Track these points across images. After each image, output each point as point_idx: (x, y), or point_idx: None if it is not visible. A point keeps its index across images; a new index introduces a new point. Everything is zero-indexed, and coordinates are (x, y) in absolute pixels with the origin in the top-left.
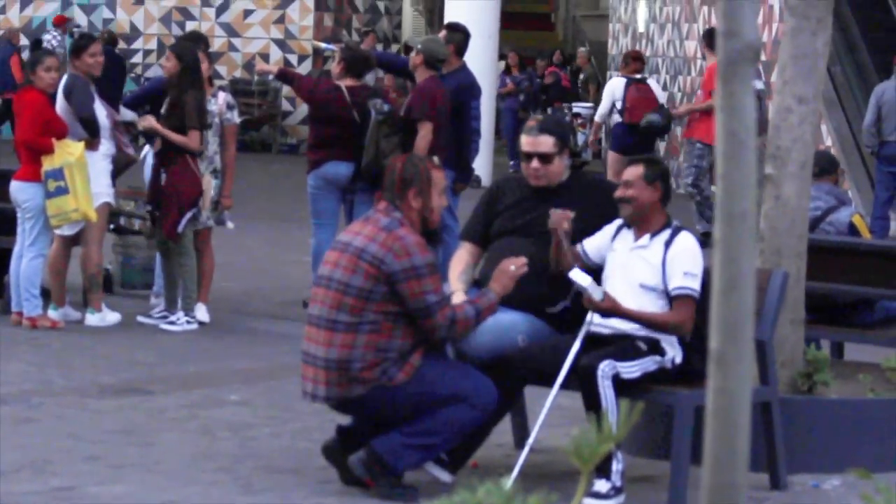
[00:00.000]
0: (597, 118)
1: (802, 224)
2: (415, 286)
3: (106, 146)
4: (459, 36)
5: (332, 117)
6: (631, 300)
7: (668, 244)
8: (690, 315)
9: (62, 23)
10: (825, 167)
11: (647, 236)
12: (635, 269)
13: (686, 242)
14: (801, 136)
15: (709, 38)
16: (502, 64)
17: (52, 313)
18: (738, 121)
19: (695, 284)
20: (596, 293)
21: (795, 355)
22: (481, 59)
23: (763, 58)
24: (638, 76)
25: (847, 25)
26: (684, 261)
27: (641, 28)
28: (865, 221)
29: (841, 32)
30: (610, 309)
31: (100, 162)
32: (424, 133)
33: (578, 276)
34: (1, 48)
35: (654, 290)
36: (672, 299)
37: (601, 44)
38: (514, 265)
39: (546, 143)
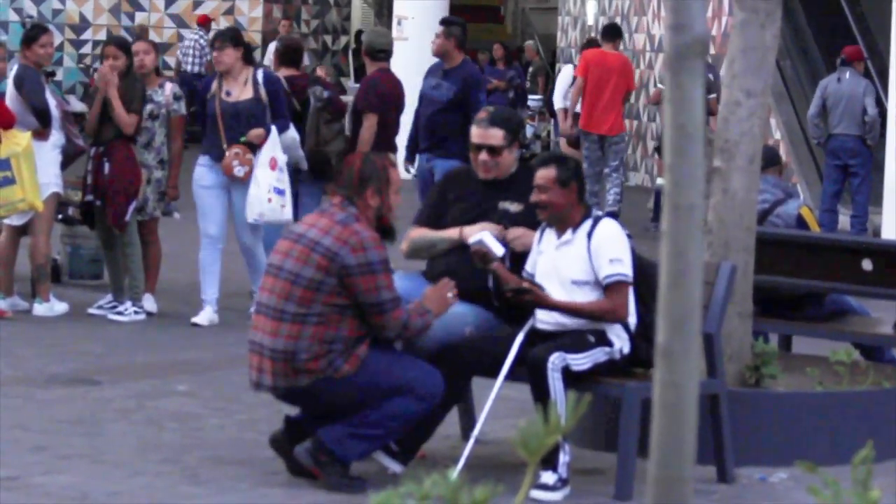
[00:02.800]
0: (559, 105)
1: (750, 217)
2: (369, 281)
3: (55, 136)
4: (457, 29)
5: None
6: (565, 298)
7: (590, 235)
8: (624, 301)
9: (206, 22)
10: (770, 160)
11: (569, 231)
12: (564, 266)
13: (607, 230)
14: (749, 130)
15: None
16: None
17: (0, 303)
18: (687, 114)
19: (623, 269)
20: (495, 247)
21: (743, 348)
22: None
23: (712, 51)
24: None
25: (796, 19)
26: (608, 248)
27: (591, 21)
28: (814, 214)
29: (790, 26)
30: (543, 303)
31: (49, 152)
32: (369, 124)
33: (487, 238)
34: None
35: (587, 283)
36: (605, 288)
37: (550, 37)
38: (451, 292)
39: (496, 136)
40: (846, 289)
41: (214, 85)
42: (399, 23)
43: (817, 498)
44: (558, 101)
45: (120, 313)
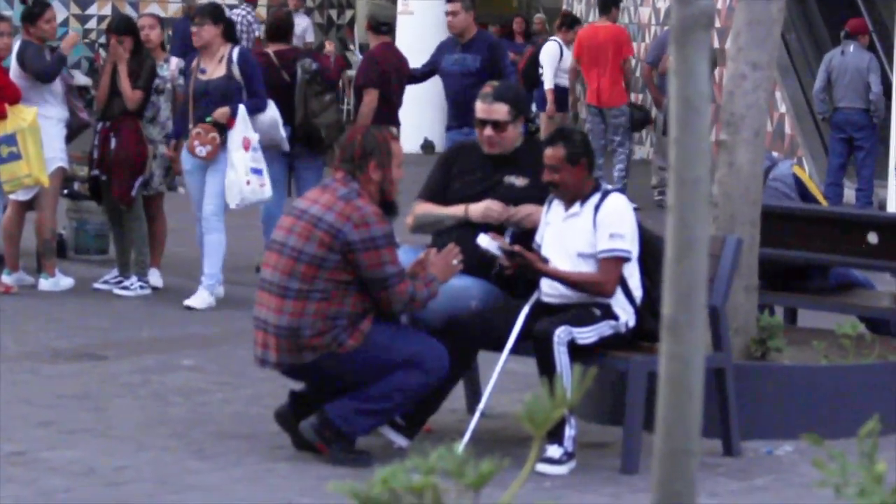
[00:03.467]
0: (547, 85)
1: (756, 191)
2: (373, 257)
3: (60, 111)
4: (471, 1)
5: (265, 84)
6: (570, 269)
7: (597, 208)
8: (614, 276)
9: None
10: None
11: (577, 204)
12: (570, 239)
13: (614, 204)
14: (755, 103)
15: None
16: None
17: (6, 278)
18: (693, 87)
19: (622, 244)
20: (492, 248)
21: (749, 322)
22: (435, 26)
23: (718, 24)
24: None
25: None
26: (611, 222)
27: None
28: (807, 172)
29: (796, 0)
30: (532, 269)
31: (54, 127)
32: (368, 100)
33: (484, 242)
34: None
35: (592, 256)
36: (599, 261)
37: (555, 10)
38: (455, 259)
39: (500, 110)
40: (852, 262)
41: (194, 62)
42: None
43: (823, 471)
44: (548, 81)
45: (125, 288)
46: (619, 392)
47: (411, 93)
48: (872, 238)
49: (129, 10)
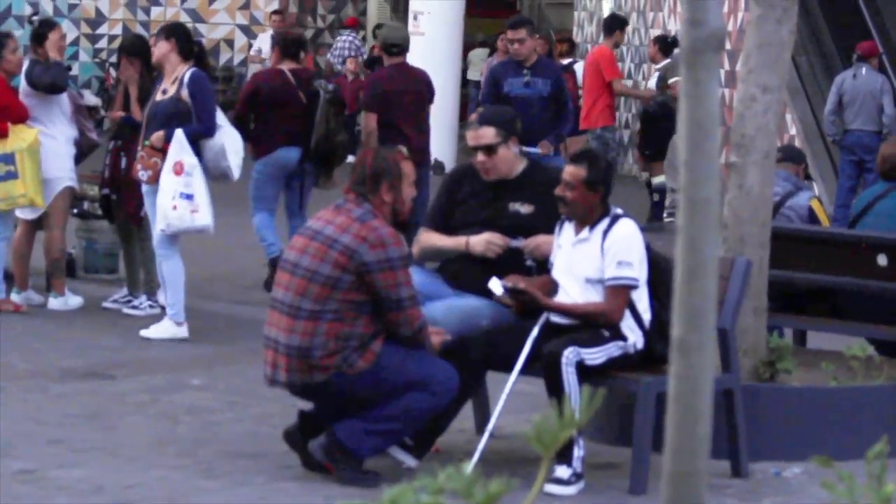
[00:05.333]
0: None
1: (766, 213)
2: (388, 278)
3: (68, 130)
4: (531, 28)
5: (281, 102)
6: (579, 296)
7: (605, 234)
8: (620, 304)
9: (354, 24)
10: (790, 156)
11: (586, 230)
12: (579, 264)
13: (623, 230)
14: (765, 125)
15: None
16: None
17: (15, 297)
18: (703, 109)
19: (629, 272)
20: (507, 299)
21: (758, 343)
22: (446, 46)
23: (728, 46)
24: (565, 61)
25: (812, 15)
26: (619, 250)
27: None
28: (823, 207)
29: (806, 22)
30: (538, 305)
31: (62, 146)
32: (367, 122)
33: (494, 286)
34: None
35: (600, 282)
36: (606, 289)
37: (566, 32)
38: (439, 339)
39: (487, 134)
40: (861, 284)
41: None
42: (415, 17)
43: (832, 492)
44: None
45: (135, 307)
46: (627, 413)
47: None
48: (882, 260)
49: (139, 30)
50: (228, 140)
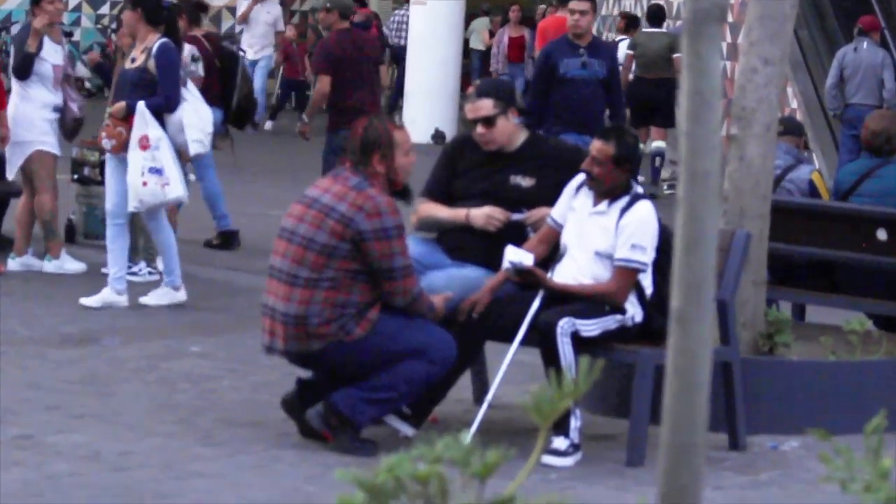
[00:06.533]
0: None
1: (766, 185)
2: (384, 247)
3: (46, 95)
4: (595, 3)
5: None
6: (587, 267)
7: (623, 211)
8: (626, 285)
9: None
10: (791, 129)
11: (605, 203)
12: (591, 236)
13: (641, 212)
14: (766, 98)
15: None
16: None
17: (11, 262)
18: (705, 80)
19: (641, 257)
20: (526, 259)
21: (757, 316)
22: (448, 17)
23: (730, 19)
24: (619, 38)
25: None
26: (633, 231)
27: None
28: (824, 180)
29: None
30: (543, 286)
31: (36, 110)
32: (320, 86)
33: (509, 256)
34: None
35: (609, 257)
36: (614, 268)
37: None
38: (442, 301)
39: (486, 106)
40: (861, 259)
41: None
42: None
43: (829, 466)
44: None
45: (134, 274)
46: (625, 385)
47: (422, 83)
48: (881, 234)
49: None
50: (189, 115)
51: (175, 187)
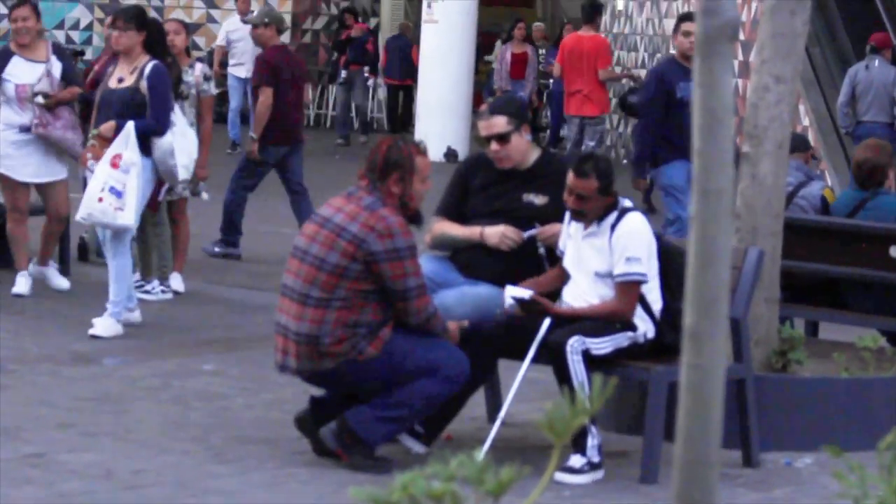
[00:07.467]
0: None
1: (778, 203)
2: (396, 267)
3: (13, 117)
4: None
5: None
6: (589, 289)
7: (613, 227)
8: (631, 299)
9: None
10: (797, 146)
11: (594, 224)
12: (587, 258)
13: (630, 224)
14: (778, 116)
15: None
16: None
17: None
18: (717, 98)
19: (638, 268)
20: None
21: (770, 333)
22: (460, 34)
23: (742, 37)
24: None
25: (826, 6)
26: (627, 245)
27: (620, 6)
28: (836, 196)
29: (820, 13)
30: (550, 314)
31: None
32: (263, 98)
33: (509, 294)
34: None
35: (609, 275)
36: (616, 286)
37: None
38: (456, 328)
39: (499, 123)
40: (873, 276)
41: (110, 69)
42: (429, 5)
43: (843, 483)
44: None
45: (147, 292)
46: (639, 402)
47: (433, 101)
48: (894, 252)
49: (153, 15)
50: (180, 140)
51: (127, 215)
